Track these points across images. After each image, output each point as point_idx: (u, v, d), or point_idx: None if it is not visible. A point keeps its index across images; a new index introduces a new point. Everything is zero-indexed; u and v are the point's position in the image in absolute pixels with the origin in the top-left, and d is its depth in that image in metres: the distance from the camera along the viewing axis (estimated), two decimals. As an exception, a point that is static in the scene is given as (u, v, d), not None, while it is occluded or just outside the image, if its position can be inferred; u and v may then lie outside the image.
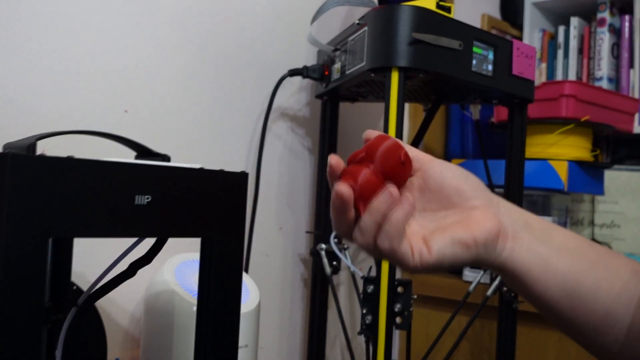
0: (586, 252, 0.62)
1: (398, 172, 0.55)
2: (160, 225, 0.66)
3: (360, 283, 1.09)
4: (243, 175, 0.74)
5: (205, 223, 0.71)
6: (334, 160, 0.56)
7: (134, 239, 0.72)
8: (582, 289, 0.59)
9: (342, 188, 0.53)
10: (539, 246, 0.59)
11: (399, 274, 1.21)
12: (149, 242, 0.75)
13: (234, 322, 0.76)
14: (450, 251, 0.55)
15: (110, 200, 0.62)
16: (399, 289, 1.04)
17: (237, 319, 0.76)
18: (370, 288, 1.05)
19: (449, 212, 0.58)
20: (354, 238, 0.56)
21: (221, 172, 0.72)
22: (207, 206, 0.70)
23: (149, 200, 0.65)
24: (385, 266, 0.99)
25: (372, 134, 0.58)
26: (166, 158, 0.77)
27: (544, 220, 0.63)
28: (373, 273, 1.05)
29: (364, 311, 1.05)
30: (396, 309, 1.03)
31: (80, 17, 1.03)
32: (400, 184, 0.56)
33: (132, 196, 0.63)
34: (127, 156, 0.77)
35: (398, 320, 1.03)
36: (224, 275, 0.74)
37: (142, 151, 0.79)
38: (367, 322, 1.03)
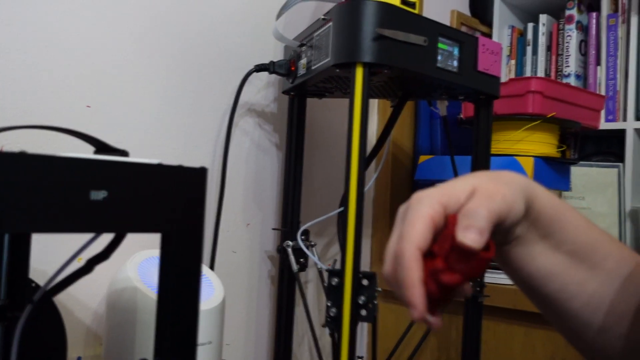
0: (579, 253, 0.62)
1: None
2: (116, 221, 0.65)
3: (327, 277, 1.09)
4: (202, 171, 0.73)
5: (164, 219, 0.70)
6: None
7: (88, 238, 0.71)
8: (551, 292, 0.60)
9: (438, 323, 0.51)
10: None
11: (364, 268, 1.21)
12: (108, 238, 0.74)
13: (193, 318, 0.76)
14: None
15: (64, 196, 0.61)
16: (364, 282, 1.04)
17: (196, 314, 0.76)
18: (335, 281, 1.05)
19: None
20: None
21: (180, 168, 0.71)
22: (165, 202, 0.70)
23: (105, 195, 0.64)
24: (349, 258, 0.99)
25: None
26: (125, 153, 0.76)
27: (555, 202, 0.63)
28: (338, 266, 1.05)
29: (329, 304, 1.05)
30: (360, 302, 1.03)
31: (41, 11, 1.01)
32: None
33: (87, 191, 0.62)
34: (86, 152, 0.76)
35: (363, 312, 1.03)
36: (183, 270, 0.74)
37: (101, 146, 0.78)
38: (332, 314, 1.03)
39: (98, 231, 0.67)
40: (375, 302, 1.04)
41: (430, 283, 0.50)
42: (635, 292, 0.60)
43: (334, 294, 1.04)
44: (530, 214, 0.58)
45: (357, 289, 1.00)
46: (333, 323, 1.03)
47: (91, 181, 0.63)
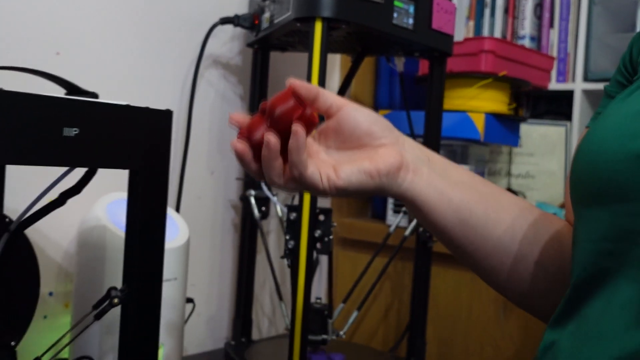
0: (479, 187, 0.70)
1: (289, 131, 0.61)
2: (88, 157, 0.71)
3: (286, 212, 1.16)
4: (168, 113, 0.79)
5: (132, 156, 0.76)
6: (234, 119, 0.66)
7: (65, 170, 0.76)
8: (472, 217, 0.68)
9: (236, 145, 0.63)
10: (436, 179, 0.67)
11: (320, 203, 1.28)
12: (79, 175, 0.80)
13: (159, 252, 0.82)
14: (357, 178, 0.63)
15: (39, 131, 0.66)
16: (320, 217, 1.12)
17: (161, 248, 0.82)
18: (293, 215, 1.12)
19: (360, 150, 0.66)
20: (269, 183, 0.65)
21: (147, 109, 0.77)
22: (133, 140, 0.75)
23: (76, 132, 0.69)
24: (307, 195, 1.06)
25: (291, 84, 0.64)
26: (95, 95, 0.81)
27: (444, 159, 0.72)
28: (296, 203, 1.12)
29: (287, 237, 1.12)
30: (317, 235, 1.11)
31: (11, -42, 1.04)
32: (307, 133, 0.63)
33: (60, 128, 0.68)
34: (57, 93, 0.81)
35: (318, 245, 1.11)
36: (150, 205, 0.80)
37: (72, 89, 0.83)
38: (290, 247, 1.11)
39: (70, 165, 0.73)
40: (331, 237, 1.12)
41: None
42: (537, 224, 0.69)
43: (292, 227, 1.12)
44: (423, 152, 0.69)
45: (313, 223, 1.08)
46: (291, 254, 1.11)
47: (64, 119, 0.68)
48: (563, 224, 0.71)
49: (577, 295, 0.55)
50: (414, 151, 0.68)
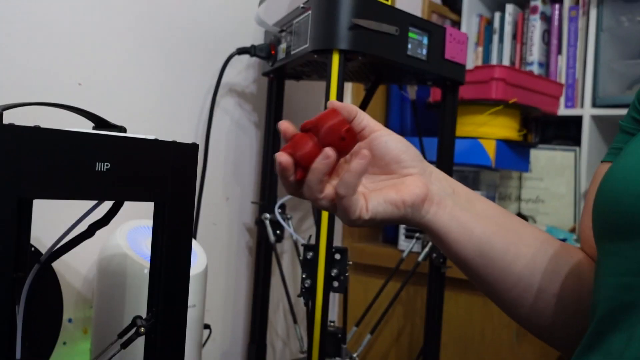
0: (501, 220, 0.72)
1: (338, 145, 0.64)
2: (118, 190, 0.73)
3: (302, 251, 1.18)
4: (194, 147, 0.81)
5: (160, 188, 0.78)
6: (283, 125, 0.66)
7: (89, 206, 0.78)
8: (493, 250, 0.69)
9: (281, 158, 0.63)
10: (459, 212, 0.69)
11: (336, 242, 1.30)
12: (104, 208, 0.82)
13: (184, 281, 0.84)
14: (383, 209, 0.65)
15: (73, 166, 0.68)
16: (336, 256, 1.13)
17: (186, 278, 0.84)
18: (310, 254, 1.14)
19: (388, 176, 0.68)
20: (302, 194, 0.66)
21: (174, 143, 0.79)
22: (161, 173, 0.78)
23: (108, 167, 0.71)
24: (323, 234, 1.08)
25: (332, 105, 0.66)
26: (122, 129, 0.84)
27: (470, 190, 0.73)
28: (313, 241, 1.14)
29: (304, 276, 1.14)
30: (333, 274, 1.13)
31: (37, -7, 1.07)
32: (342, 154, 0.65)
33: (93, 163, 0.70)
34: (84, 127, 0.83)
35: (335, 284, 1.13)
36: (175, 237, 0.82)
37: (99, 122, 0.85)
38: (307, 285, 1.13)
39: (101, 199, 0.75)
40: (347, 274, 1.13)
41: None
42: (557, 257, 0.70)
43: (308, 266, 1.14)
44: (449, 183, 0.70)
45: (330, 262, 1.09)
46: (308, 293, 1.12)
47: (97, 154, 0.71)
48: (582, 255, 0.72)
49: (601, 329, 0.56)
50: (440, 183, 0.70)
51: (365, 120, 0.68)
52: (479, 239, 0.69)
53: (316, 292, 1.09)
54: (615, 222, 0.55)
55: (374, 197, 0.65)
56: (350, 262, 1.17)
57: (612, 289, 0.55)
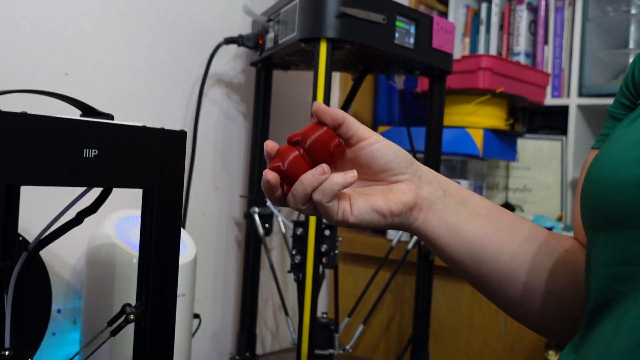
0: (495, 219, 0.71)
1: (325, 159, 0.64)
2: (106, 177, 0.73)
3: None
4: (182, 134, 0.81)
5: (148, 175, 0.78)
6: (268, 146, 0.65)
7: (76, 194, 0.78)
8: (485, 252, 0.69)
9: (269, 176, 0.63)
10: (450, 216, 0.69)
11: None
12: (92, 196, 0.82)
13: (173, 269, 0.84)
14: (369, 217, 0.65)
15: (61, 153, 0.68)
16: (326, 232, 1.14)
17: (176, 265, 0.84)
18: (300, 230, 1.14)
19: (376, 182, 0.68)
20: (286, 204, 0.66)
21: (162, 130, 0.79)
22: (149, 160, 0.77)
23: (96, 153, 0.71)
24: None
25: (319, 109, 0.64)
26: (110, 116, 0.83)
27: (462, 188, 0.72)
28: (302, 218, 1.14)
29: (294, 252, 1.14)
30: (323, 250, 1.13)
31: (22, -18, 1.07)
32: (328, 164, 0.65)
33: (81, 149, 0.70)
34: (71, 115, 0.83)
35: (324, 260, 1.13)
36: (164, 225, 0.82)
37: (87, 110, 0.85)
38: (296, 261, 1.13)
39: (90, 185, 0.75)
40: (336, 251, 1.14)
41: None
42: (549, 252, 0.70)
43: (298, 242, 1.14)
44: (440, 184, 0.69)
45: (319, 238, 1.10)
46: (298, 269, 1.13)
47: (85, 141, 0.70)
48: (576, 246, 0.72)
49: (592, 319, 0.56)
50: (430, 186, 0.69)
51: (354, 128, 0.66)
52: (470, 242, 0.69)
53: (306, 267, 1.09)
54: (602, 212, 0.55)
55: (360, 204, 0.64)
56: (340, 239, 1.18)
57: (602, 279, 0.56)
